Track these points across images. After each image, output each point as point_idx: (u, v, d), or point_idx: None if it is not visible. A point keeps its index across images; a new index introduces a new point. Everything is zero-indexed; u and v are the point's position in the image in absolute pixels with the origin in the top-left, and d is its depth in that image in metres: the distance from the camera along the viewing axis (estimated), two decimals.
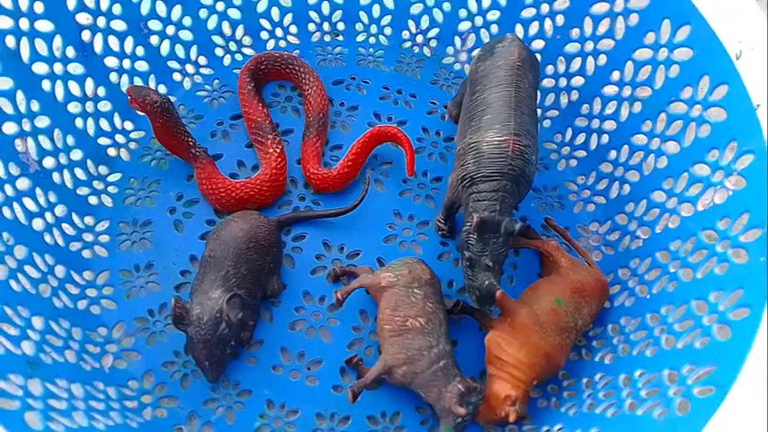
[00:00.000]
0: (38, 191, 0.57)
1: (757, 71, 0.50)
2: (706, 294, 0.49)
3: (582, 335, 0.57)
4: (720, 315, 0.47)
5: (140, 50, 0.66)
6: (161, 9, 0.66)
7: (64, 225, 0.59)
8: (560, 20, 0.64)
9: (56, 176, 0.59)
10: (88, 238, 0.60)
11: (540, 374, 0.52)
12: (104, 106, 0.64)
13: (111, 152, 0.65)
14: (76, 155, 0.62)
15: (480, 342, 0.54)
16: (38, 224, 0.56)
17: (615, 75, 0.62)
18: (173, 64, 0.69)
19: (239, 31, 0.71)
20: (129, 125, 0.66)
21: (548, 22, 0.65)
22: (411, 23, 0.73)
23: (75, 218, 0.60)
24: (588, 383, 0.54)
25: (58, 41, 0.59)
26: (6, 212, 0.53)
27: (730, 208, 0.51)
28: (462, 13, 0.70)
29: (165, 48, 0.68)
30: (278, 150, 0.63)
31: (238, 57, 0.71)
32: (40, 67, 0.58)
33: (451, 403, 0.49)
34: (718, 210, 0.52)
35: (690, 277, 0.52)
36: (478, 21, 0.70)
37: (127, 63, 0.65)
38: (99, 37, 0.62)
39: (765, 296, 0.44)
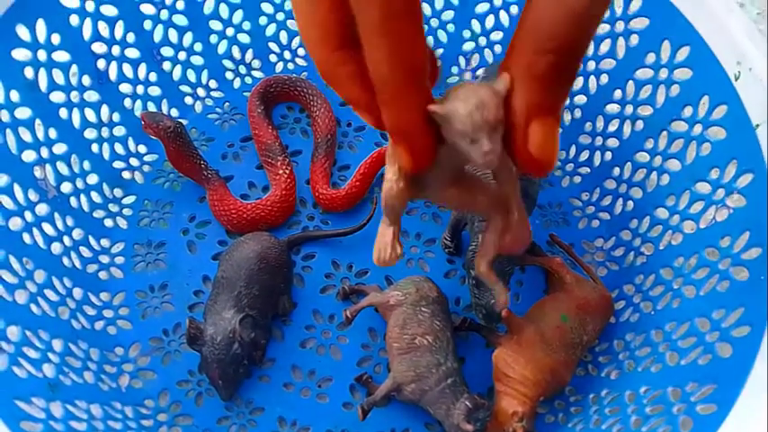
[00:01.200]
0: (56, 216, 0.59)
1: (756, 91, 0.50)
2: (709, 312, 0.50)
3: (588, 350, 0.58)
4: (723, 332, 0.48)
5: (153, 76, 0.68)
6: (173, 36, 0.68)
7: (81, 248, 0.61)
8: None
9: (73, 201, 0.61)
10: (104, 260, 0.62)
11: (546, 390, 0.53)
12: (119, 131, 0.66)
13: (126, 175, 0.66)
14: (93, 179, 0.63)
15: (488, 359, 0.55)
16: (56, 248, 0.58)
17: (617, 93, 0.63)
18: (184, 88, 0.71)
19: (249, 54, 0.73)
20: (142, 149, 0.68)
21: None
22: None
23: (91, 240, 0.62)
24: (595, 399, 0.55)
25: (74, 70, 0.61)
26: (26, 238, 0.55)
27: (731, 226, 0.52)
28: (466, 33, 0.71)
29: (177, 73, 0.70)
30: (287, 172, 0.65)
31: (248, 80, 0.73)
32: (57, 96, 0.60)
33: (459, 419, 0.50)
34: (720, 227, 0.53)
35: (693, 294, 0.53)
36: (482, 41, 0.71)
37: (140, 89, 0.67)
38: (114, 65, 0.64)
39: (766, 315, 0.45)
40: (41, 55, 0.58)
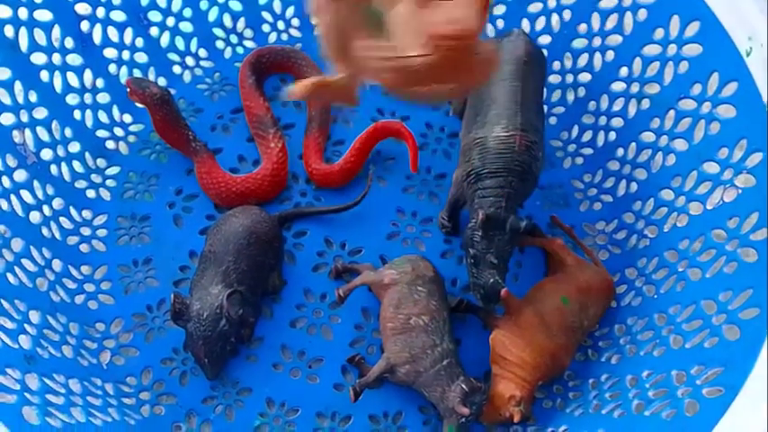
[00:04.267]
0: (35, 183, 0.56)
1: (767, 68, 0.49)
2: (715, 294, 0.49)
3: (588, 335, 0.56)
4: (730, 315, 0.47)
5: (140, 42, 0.65)
6: (161, 0, 0.65)
7: (61, 218, 0.58)
8: (567, 15, 0.63)
9: (53, 169, 0.58)
10: (86, 232, 0.59)
11: (545, 375, 0.52)
12: (103, 98, 0.63)
13: (110, 145, 0.64)
14: (74, 147, 0.61)
15: (485, 341, 0.53)
16: (35, 217, 0.55)
17: (623, 71, 0.61)
18: (173, 56, 0.68)
19: (240, 23, 0.70)
20: (128, 118, 0.65)
21: (555, 17, 0.64)
22: None
23: (72, 211, 0.59)
24: (594, 384, 0.53)
25: (56, 32, 0.58)
26: (3, 205, 0.53)
27: (740, 206, 0.50)
28: None
29: (165, 39, 0.67)
30: (279, 145, 0.62)
31: (239, 49, 0.70)
32: (38, 58, 0.57)
33: (455, 403, 0.49)
34: (728, 208, 0.51)
35: (698, 277, 0.52)
36: None
37: (126, 54, 0.64)
38: (98, 28, 0.61)
39: None
40: (22, 13, 0.55)
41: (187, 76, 0.68)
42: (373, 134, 0.63)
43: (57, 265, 0.56)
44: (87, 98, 0.62)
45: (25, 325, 0.48)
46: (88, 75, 0.62)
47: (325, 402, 0.54)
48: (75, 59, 0.60)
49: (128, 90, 0.60)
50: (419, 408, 0.54)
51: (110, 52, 0.63)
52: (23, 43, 0.56)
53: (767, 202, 0.48)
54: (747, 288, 0.46)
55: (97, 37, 0.62)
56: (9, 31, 0.54)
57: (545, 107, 0.65)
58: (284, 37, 0.71)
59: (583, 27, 0.63)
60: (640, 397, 0.48)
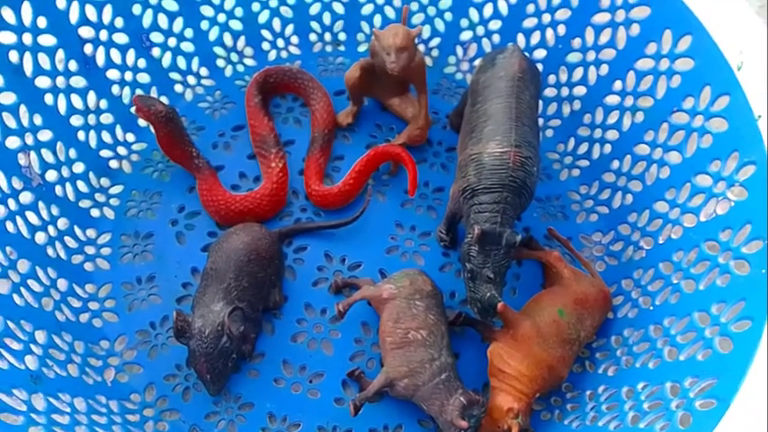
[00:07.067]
0: (40, 204, 0.57)
1: (758, 82, 0.49)
2: (708, 306, 0.49)
3: (585, 346, 0.57)
4: (722, 327, 0.47)
5: (142, 63, 0.66)
6: (163, 21, 0.66)
7: (66, 238, 0.59)
8: (562, 30, 0.64)
9: (58, 189, 0.60)
10: (90, 250, 0.61)
11: (542, 387, 0.52)
12: (106, 119, 0.64)
13: (113, 164, 0.65)
14: (79, 168, 0.62)
15: (483, 354, 0.54)
16: (40, 238, 0.57)
17: (617, 84, 0.62)
18: (174, 75, 0.69)
19: (241, 42, 0.71)
20: (130, 137, 0.66)
21: (549, 32, 0.65)
22: None
23: (77, 231, 0.60)
24: (591, 396, 0.54)
25: (60, 55, 0.59)
26: (9, 227, 0.54)
27: (732, 219, 0.51)
28: (464, 22, 0.70)
29: (166, 60, 0.68)
30: (280, 165, 0.63)
31: (240, 68, 0.71)
32: (42, 81, 0.58)
33: (453, 416, 0.49)
34: (721, 221, 0.52)
35: (692, 289, 0.52)
36: (480, 30, 0.70)
37: (129, 75, 0.66)
38: (101, 50, 0.63)
39: (766, 309, 0.44)
40: (27, 38, 0.56)
41: (189, 95, 0.70)
42: (374, 158, 0.63)
43: (62, 284, 0.57)
44: (91, 119, 0.63)
45: (31, 345, 0.49)
46: (92, 96, 0.63)
47: (326, 416, 0.55)
48: (78, 82, 0.62)
49: (134, 107, 0.61)
50: (418, 421, 0.55)
51: (113, 74, 0.64)
52: (28, 67, 0.57)
53: (759, 215, 0.48)
54: (739, 300, 0.47)
55: (100, 59, 0.63)
56: (14, 56, 0.56)
57: (541, 120, 0.66)
58: (284, 54, 0.72)
59: (577, 41, 0.64)
60: (636, 409, 0.49)
